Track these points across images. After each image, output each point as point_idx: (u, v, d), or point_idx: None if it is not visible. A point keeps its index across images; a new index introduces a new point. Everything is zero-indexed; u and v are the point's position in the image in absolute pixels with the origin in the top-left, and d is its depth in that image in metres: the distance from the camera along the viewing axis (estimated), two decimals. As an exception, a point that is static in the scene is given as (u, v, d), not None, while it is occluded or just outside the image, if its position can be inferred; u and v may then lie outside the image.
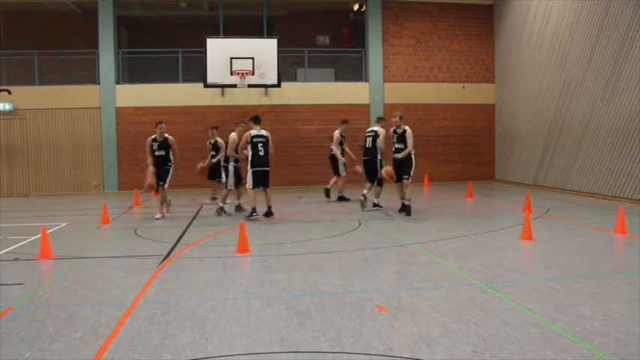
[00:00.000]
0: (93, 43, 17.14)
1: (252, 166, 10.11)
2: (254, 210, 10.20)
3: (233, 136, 10.99)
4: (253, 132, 10.20)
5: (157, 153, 10.76)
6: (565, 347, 3.78)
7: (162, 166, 10.75)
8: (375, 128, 11.46)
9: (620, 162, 11.95)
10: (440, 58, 18.45)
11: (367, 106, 17.99)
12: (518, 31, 16.79)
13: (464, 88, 18.51)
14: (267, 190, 10.30)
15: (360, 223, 9.69)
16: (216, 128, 12.58)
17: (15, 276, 6.23)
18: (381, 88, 18.06)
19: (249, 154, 10.13)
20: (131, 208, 12.92)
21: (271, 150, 10.38)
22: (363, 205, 11.31)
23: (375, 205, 11.34)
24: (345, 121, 13.40)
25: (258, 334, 4.18)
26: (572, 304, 4.75)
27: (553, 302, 4.83)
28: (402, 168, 10.65)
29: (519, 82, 16.80)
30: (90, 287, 5.75)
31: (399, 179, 10.68)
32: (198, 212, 11.75)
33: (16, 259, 7.13)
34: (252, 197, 10.24)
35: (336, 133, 13.14)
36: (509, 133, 17.65)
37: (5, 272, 6.37)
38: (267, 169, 10.21)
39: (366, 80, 18.15)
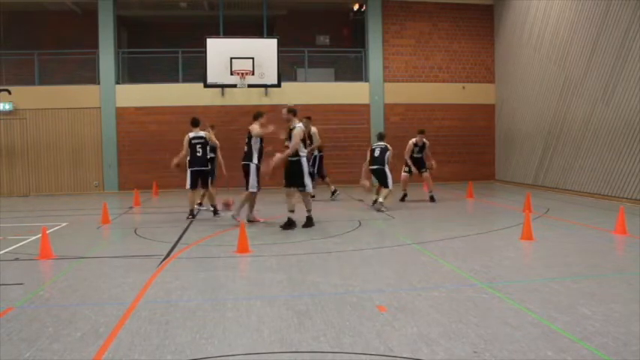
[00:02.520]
0: (93, 43, 17.12)
1: (190, 167, 10.57)
2: (192, 211, 10.65)
3: None
4: (192, 134, 10.66)
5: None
6: (565, 347, 3.78)
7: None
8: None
9: (620, 162, 11.95)
10: (440, 58, 18.44)
11: (367, 106, 17.98)
12: (518, 31, 16.78)
13: (464, 88, 18.50)
14: (210, 189, 10.87)
15: (360, 223, 9.69)
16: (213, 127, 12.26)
17: (15, 276, 6.23)
18: (381, 88, 18.05)
19: (188, 155, 10.53)
20: (131, 208, 12.91)
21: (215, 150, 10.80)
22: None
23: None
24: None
25: (258, 334, 4.18)
26: (572, 304, 4.75)
27: (553, 302, 4.83)
28: (290, 175, 9.08)
29: (519, 82, 16.80)
30: (90, 287, 5.76)
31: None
32: (198, 213, 11.71)
33: (16, 259, 7.13)
34: (190, 198, 10.72)
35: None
36: (509, 133, 17.65)
37: (5, 272, 6.37)
38: (204, 169, 10.65)
39: (366, 80, 18.14)
